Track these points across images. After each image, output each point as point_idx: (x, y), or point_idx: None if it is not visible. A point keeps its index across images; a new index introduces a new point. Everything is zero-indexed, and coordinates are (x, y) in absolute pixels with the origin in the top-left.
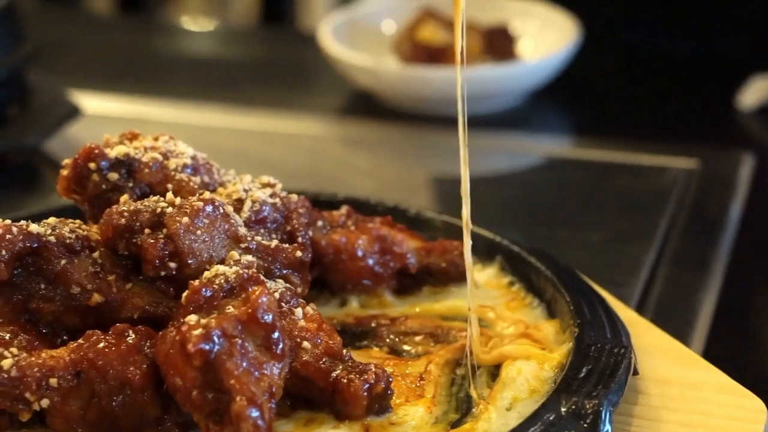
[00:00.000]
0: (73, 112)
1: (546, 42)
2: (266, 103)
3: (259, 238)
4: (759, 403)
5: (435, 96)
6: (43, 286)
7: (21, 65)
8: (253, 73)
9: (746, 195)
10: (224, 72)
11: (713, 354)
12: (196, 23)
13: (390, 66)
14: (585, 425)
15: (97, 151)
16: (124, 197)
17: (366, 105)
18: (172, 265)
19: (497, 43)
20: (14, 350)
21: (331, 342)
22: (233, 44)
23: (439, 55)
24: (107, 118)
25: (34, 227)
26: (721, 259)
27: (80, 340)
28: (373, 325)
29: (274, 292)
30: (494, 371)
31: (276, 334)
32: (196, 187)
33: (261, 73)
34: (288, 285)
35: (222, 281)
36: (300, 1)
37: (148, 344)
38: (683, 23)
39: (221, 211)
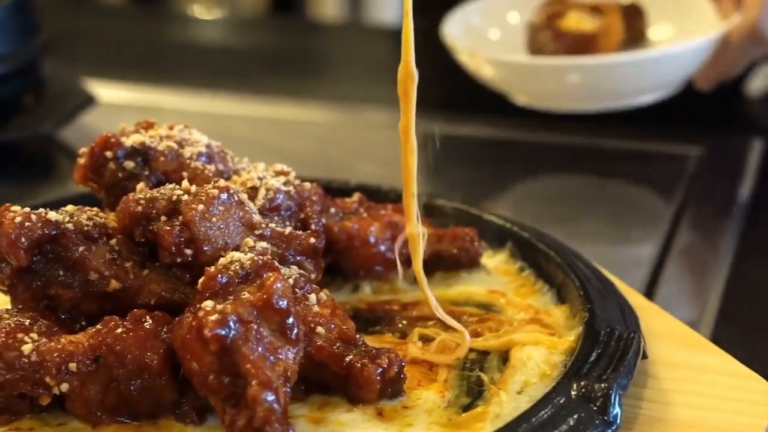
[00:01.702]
0: (88, 101)
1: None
2: (277, 91)
3: (273, 225)
4: (767, 386)
5: (584, 88)
6: (61, 272)
7: (36, 55)
8: (264, 61)
9: (754, 181)
10: (236, 60)
11: (721, 338)
12: (207, 12)
13: (545, 60)
14: (595, 408)
15: (113, 140)
16: (141, 185)
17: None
18: (188, 251)
19: (632, 24)
20: (34, 335)
21: (344, 327)
22: (244, 33)
23: (591, 42)
24: (121, 107)
25: (52, 215)
26: (730, 244)
27: (98, 326)
28: (385, 309)
29: (289, 278)
30: (505, 355)
31: (291, 320)
32: (210, 175)
33: (272, 61)
34: (302, 271)
35: (237, 267)
36: None
37: (165, 330)
38: None
39: (236, 198)
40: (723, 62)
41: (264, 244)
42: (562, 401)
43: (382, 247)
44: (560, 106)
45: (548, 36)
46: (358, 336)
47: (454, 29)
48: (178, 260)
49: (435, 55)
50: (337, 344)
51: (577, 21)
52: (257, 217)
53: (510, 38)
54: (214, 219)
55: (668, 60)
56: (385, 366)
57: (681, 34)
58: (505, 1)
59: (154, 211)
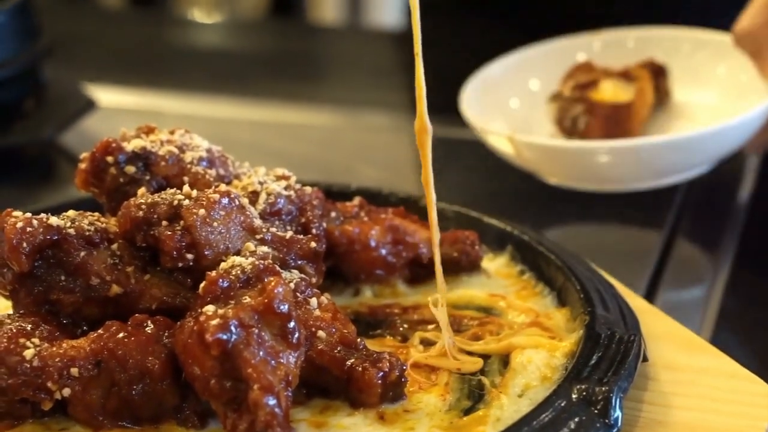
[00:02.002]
0: (88, 106)
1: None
2: (278, 95)
3: (274, 229)
4: (767, 388)
5: (633, 168)
6: (63, 277)
7: (37, 60)
8: (264, 64)
9: (754, 182)
10: (235, 64)
11: (722, 340)
12: (206, 15)
13: (578, 144)
14: (596, 411)
15: (114, 145)
16: (142, 190)
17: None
18: (189, 256)
19: (658, 85)
20: (36, 341)
21: (345, 331)
22: (244, 36)
23: (625, 111)
24: (121, 111)
25: (54, 220)
26: (729, 247)
27: (100, 331)
28: (386, 313)
29: (290, 282)
30: (506, 359)
31: (292, 324)
32: (211, 179)
33: (272, 64)
34: (303, 275)
35: (238, 272)
36: None
37: (166, 334)
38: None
39: (237, 203)
40: None
41: (265, 248)
42: (563, 404)
43: (383, 251)
44: (600, 186)
45: (581, 108)
46: (359, 340)
47: (472, 104)
48: (180, 265)
49: (435, 59)
50: (339, 348)
51: (611, 91)
52: (258, 222)
53: (531, 107)
54: (215, 224)
55: (726, 134)
56: (387, 370)
57: (708, 92)
58: (520, 68)
59: (155, 216)
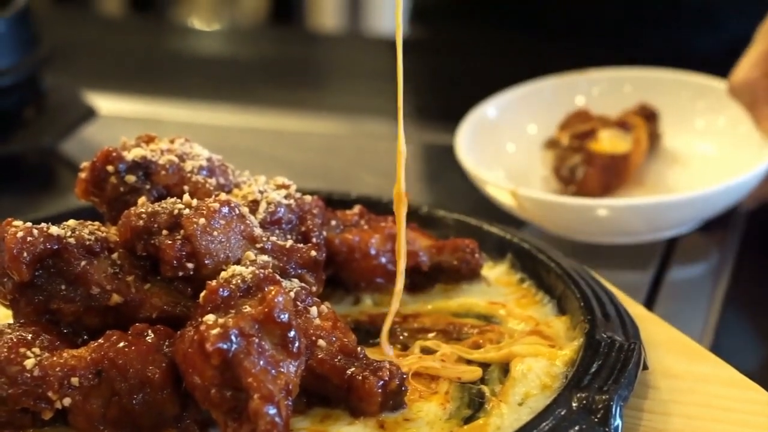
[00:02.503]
0: (88, 114)
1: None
2: (277, 102)
3: (274, 238)
4: (767, 396)
5: (635, 224)
6: (63, 287)
7: (37, 68)
8: (263, 72)
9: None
10: (235, 71)
11: (721, 349)
12: (206, 23)
13: (581, 202)
14: (596, 420)
15: (114, 154)
16: (142, 199)
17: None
18: (190, 265)
19: (650, 130)
20: (36, 350)
21: (345, 340)
22: (243, 44)
23: (623, 160)
24: (121, 119)
25: (54, 229)
26: (730, 254)
27: (101, 340)
28: None
29: (290, 291)
30: (506, 367)
31: (292, 333)
32: (212, 188)
33: (271, 72)
34: (303, 284)
35: (239, 281)
36: (308, 0)
37: (166, 343)
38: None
39: (237, 212)
40: None
41: (265, 257)
42: (563, 413)
43: (383, 259)
44: (601, 239)
45: (579, 158)
46: (359, 348)
47: (468, 149)
48: (180, 274)
49: (436, 64)
50: (339, 357)
51: (609, 141)
52: (258, 231)
53: (527, 152)
54: (215, 233)
55: (728, 192)
56: (387, 378)
57: (704, 141)
58: (516, 110)
59: (155, 225)
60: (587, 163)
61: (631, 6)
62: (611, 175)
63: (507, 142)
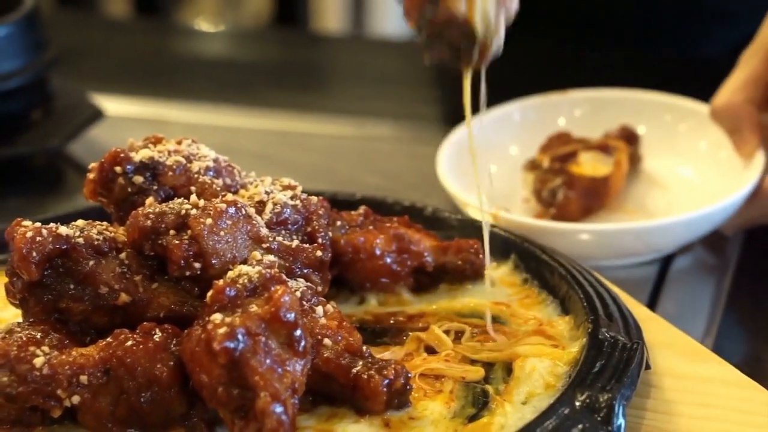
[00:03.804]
0: (96, 115)
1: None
2: (282, 104)
3: (280, 238)
4: None
5: (615, 248)
6: (72, 286)
7: (44, 70)
8: (268, 74)
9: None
10: (240, 73)
11: (723, 349)
12: (211, 25)
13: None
14: (599, 419)
15: (122, 155)
16: (150, 200)
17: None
18: (197, 265)
19: (631, 152)
20: (46, 349)
21: (351, 339)
22: (248, 45)
23: (603, 184)
24: (128, 120)
25: (63, 229)
26: (732, 254)
27: (109, 339)
28: (391, 322)
29: (296, 291)
30: (509, 366)
31: (298, 332)
32: (218, 189)
33: (276, 74)
34: (309, 284)
35: (245, 281)
36: (312, 2)
37: (174, 342)
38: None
39: (243, 212)
40: (754, 209)
41: (271, 257)
42: (566, 412)
43: (388, 260)
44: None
45: (560, 181)
46: (364, 348)
47: (449, 170)
48: (187, 274)
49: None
50: (344, 356)
51: (590, 164)
52: (264, 231)
53: (509, 173)
54: (222, 233)
55: (709, 218)
56: (392, 377)
57: (684, 164)
58: (497, 130)
59: (163, 226)
60: (568, 186)
61: (633, 7)
62: (591, 199)
63: (489, 164)
